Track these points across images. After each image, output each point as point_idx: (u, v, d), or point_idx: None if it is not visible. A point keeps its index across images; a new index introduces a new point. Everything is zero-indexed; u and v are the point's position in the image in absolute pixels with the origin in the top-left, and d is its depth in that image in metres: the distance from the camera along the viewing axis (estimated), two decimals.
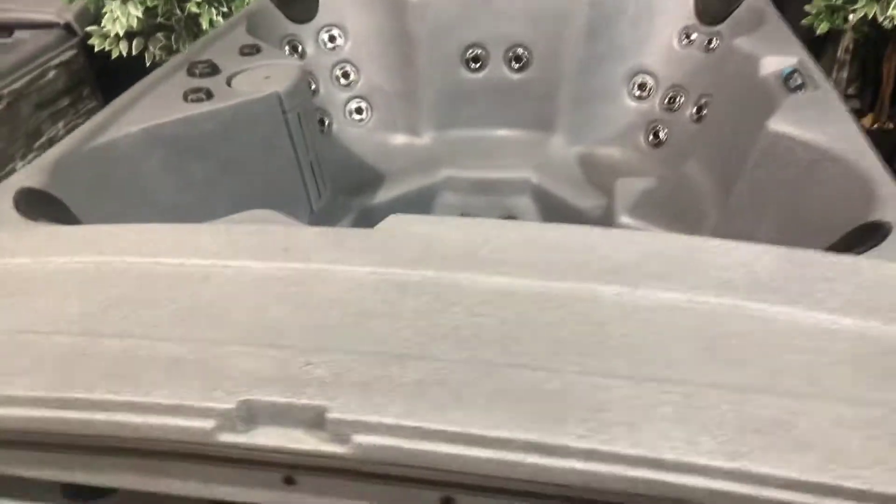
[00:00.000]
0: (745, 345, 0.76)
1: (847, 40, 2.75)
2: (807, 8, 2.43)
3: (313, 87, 2.30)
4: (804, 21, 2.43)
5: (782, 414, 0.66)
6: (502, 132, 2.37)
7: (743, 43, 1.75)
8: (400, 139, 2.38)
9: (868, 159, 1.24)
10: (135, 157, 1.52)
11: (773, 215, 1.42)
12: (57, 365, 0.74)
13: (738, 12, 2.03)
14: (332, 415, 0.66)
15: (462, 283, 0.85)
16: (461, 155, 2.28)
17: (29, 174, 1.33)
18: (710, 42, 2.10)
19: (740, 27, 1.96)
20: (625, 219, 1.74)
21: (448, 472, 0.65)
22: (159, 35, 2.39)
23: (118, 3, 2.25)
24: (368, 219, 2.06)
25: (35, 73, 2.56)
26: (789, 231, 1.37)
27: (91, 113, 2.52)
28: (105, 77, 2.86)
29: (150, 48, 2.45)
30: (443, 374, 0.70)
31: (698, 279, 0.85)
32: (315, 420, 0.66)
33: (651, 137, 2.22)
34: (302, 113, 1.79)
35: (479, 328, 0.78)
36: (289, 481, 0.70)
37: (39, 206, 1.26)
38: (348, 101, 2.36)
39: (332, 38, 2.32)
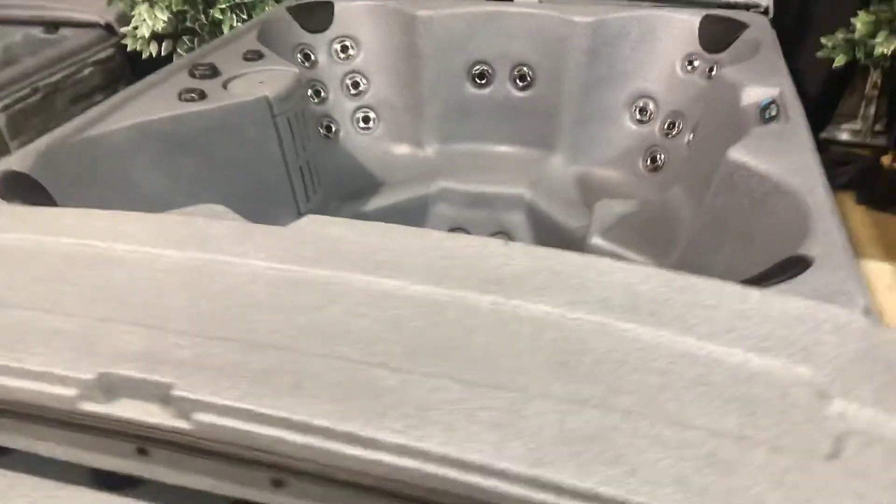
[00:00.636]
0: (600, 362, 0.77)
1: (875, 76, 2.69)
2: (823, 40, 2.39)
3: (323, 94, 2.39)
4: (820, 53, 2.39)
5: (603, 430, 0.68)
6: (503, 148, 2.40)
7: (729, 72, 1.74)
8: (403, 149, 2.44)
9: (816, 194, 1.23)
10: (124, 150, 1.61)
11: (730, 244, 1.42)
12: None
13: (739, 41, 2.02)
14: (178, 392, 0.70)
15: (350, 284, 0.89)
16: (460, 168, 2.32)
17: (18, 158, 1.43)
18: (711, 70, 2.09)
19: (739, 56, 1.95)
20: (596, 240, 1.75)
21: (276, 454, 0.69)
22: (185, 38, 2.51)
23: (146, 6, 2.37)
24: None
25: (72, 68, 2.72)
26: (743, 260, 1.36)
27: None
28: (141, 76, 3.02)
29: (178, 50, 2.58)
30: (294, 365, 0.74)
31: (576, 296, 0.87)
32: (163, 396, 0.71)
33: (649, 162, 2.22)
34: (293, 117, 1.86)
35: (350, 326, 0.82)
36: (142, 452, 0.75)
37: (18, 188, 1.35)
38: (356, 110, 2.44)
39: (344, 49, 2.40)
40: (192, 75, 1.83)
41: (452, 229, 2.28)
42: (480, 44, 2.31)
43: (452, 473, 0.64)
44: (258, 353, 0.76)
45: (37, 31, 2.93)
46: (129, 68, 2.97)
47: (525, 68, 2.31)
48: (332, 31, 2.38)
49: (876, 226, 2.56)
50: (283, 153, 1.85)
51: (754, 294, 0.89)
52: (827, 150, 2.93)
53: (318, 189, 2.02)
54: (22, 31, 2.93)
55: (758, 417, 0.71)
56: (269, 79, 1.84)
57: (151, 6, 2.37)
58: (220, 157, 1.75)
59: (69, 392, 0.73)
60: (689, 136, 2.10)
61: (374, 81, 2.43)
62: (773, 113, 1.53)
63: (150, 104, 1.69)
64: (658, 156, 2.19)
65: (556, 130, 2.32)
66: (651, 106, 2.23)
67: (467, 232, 2.28)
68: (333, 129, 2.40)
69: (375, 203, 2.21)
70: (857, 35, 2.30)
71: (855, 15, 2.31)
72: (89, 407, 0.73)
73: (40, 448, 0.80)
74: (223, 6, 2.43)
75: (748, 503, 0.61)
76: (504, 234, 2.25)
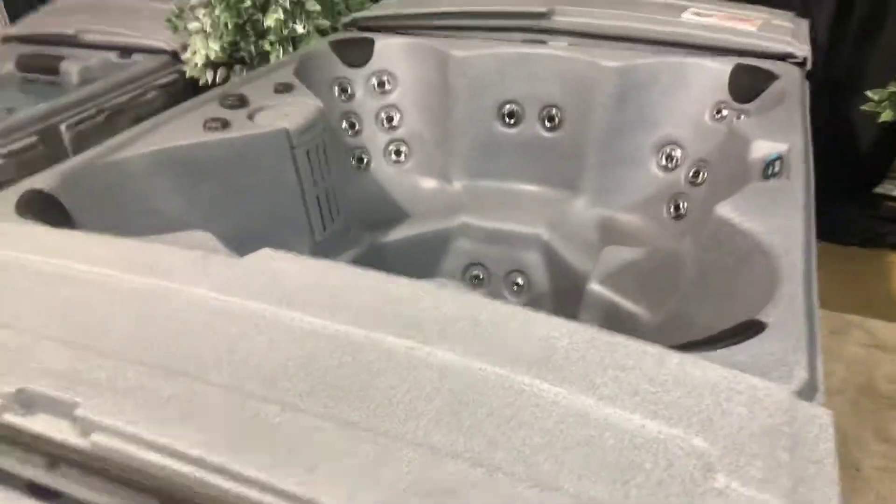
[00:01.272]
0: (491, 415, 0.78)
1: None
2: (870, 93, 2.30)
3: (357, 127, 2.47)
4: (865, 107, 2.30)
5: (462, 485, 0.69)
6: (529, 187, 2.41)
7: (742, 124, 1.71)
8: (431, 183, 2.48)
9: (792, 256, 1.19)
10: (146, 175, 1.72)
11: (713, 301, 1.38)
12: None
13: (766, 92, 1.98)
14: (80, 412, 0.76)
15: (277, 318, 0.93)
16: (484, 205, 2.34)
17: (44, 177, 1.55)
18: (738, 119, 2.05)
19: (765, 107, 1.91)
20: (594, 286, 1.73)
21: (161, 480, 0.73)
22: (237, 67, 2.65)
23: (201, 37, 2.53)
24: (376, 254, 2.18)
25: (137, 91, 2.92)
26: (722, 319, 1.32)
27: None
28: None
29: (232, 77, 2.73)
30: (193, 395, 0.79)
31: (489, 346, 0.88)
32: (69, 414, 0.77)
33: (672, 209, 2.18)
34: (312, 149, 1.94)
35: (264, 360, 0.86)
36: (53, 465, 0.80)
37: (38, 206, 1.47)
38: (389, 143, 2.50)
39: (381, 84, 2.47)
40: (222, 105, 1.94)
41: (470, 265, 2.30)
42: (511, 84, 2.34)
43: None
44: (168, 381, 0.81)
45: (112, 56, 3.15)
46: (191, 93, 3.16)
47: (554, 109, 2.33)
48: (371, 66, 2.47)
49: None
50: (300, 183, 1.93)
51: (674, 359, 0.88)
52: (881, 206, 2.80)
53: (335, 218, 2.08)
54: (99, 55, 3.16)
55: (631, 486, 0.71)
56: (293, 111, 1.93)
57: (206, 37, 2.52)
58: (239, 184, 1.84)
59: None
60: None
61: (408, 116, 2.49)
62: (776, 169, 1.49)
63: (176, 131, 1.80)
64: (681, 203, 2.15)
65: (581, 173, 2.31)
66: (678, 153, 2.20)
67: (485, 268, 2.30)
68: (365, 160, 2.48)
69: (397, 234, 2.25)
70: None
71: None
72: (9, 418, 0.80)
73: None
74: (272, 39, 2.56)
75: None
76: (520, 272, 2.26)
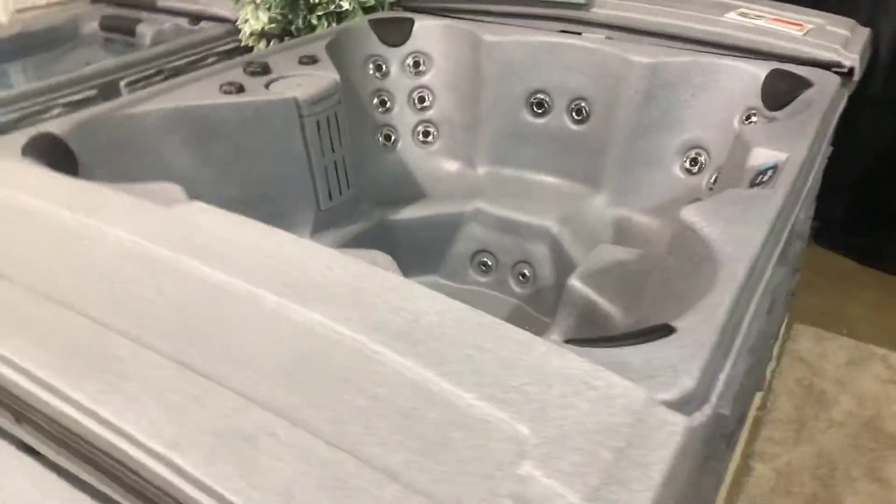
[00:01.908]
0: (327, 375, 0.80)
1: None
2: None
3: (388, 105, 2.50)
4: None
5: (257, 431, 0.71)
6: (550, 179, 2.38)
7: (748, 130, 1.62)
8: (454, 167, 2.49)
9: (735, 267, 1.13)
10: (159, 130, 1.81)
11: (670, 306, 1.33)
12: None
13: (797, 100, 1.86)
14: None
15: (177, 266, 0.97)
16: (502, 193, 2.33)
17: (58, 122, 1.67)
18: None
19: (793, 115, 1.81)
20: (574, 282, 1.70)
21: (9, 393, 0.79)
22: (286, 39, 2.74)
23: (252, 7, 2.63)
24: (384, 230, 2.21)
25: (196, 56, 3.06)
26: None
27: None
28: None
29: None
30: (61, 321, 0.84)
31: (360, 314, 0.89)
32: None
33: None
34: (323, 120, 1.99)
35: (144, 301, 0.90)
36: None
37: (46, 149, 1.58)
38: (418, 123, 2.52)
39: (416, 64, 2.50)
40: (245, 71, 2.02)
41: (478, 252, 2.30)
42: (542, 73, 2.31)
43: (114, 439, 0.70)
44: (41, 305, 0.87)
45: (183, 22, 3.32)
46: None
47: (583, 102, 2.28)
48: (408, 45, 2.49)
49: None
50: (307, 152, 1.98)
51: (540, 347, 0.87)
52: None
53: (343, 191, 2.13)
54: (172, 20, 3.34)
55: (433, 462, 0.70)
56: (307, 82, 1.98)
57: (256, 8, 2.62)
58: (248, 147, 1.91)
59: None
60: None
61: (440, 98, 2.50)
62: (765, 178, 1.41)
63: (193, 92, 1.88)
64: None
65: (603, 169, 2.26)
66: (703, 157, 2.11)
67: (493, 256, 2.29)
68: (393, 138, 2.51)
69: (410, 213, 2.27)
70: None
71: None
72: None
73: None
74: (320, 14, 2.62)
75: None
76: (528, 263, 2.23)
